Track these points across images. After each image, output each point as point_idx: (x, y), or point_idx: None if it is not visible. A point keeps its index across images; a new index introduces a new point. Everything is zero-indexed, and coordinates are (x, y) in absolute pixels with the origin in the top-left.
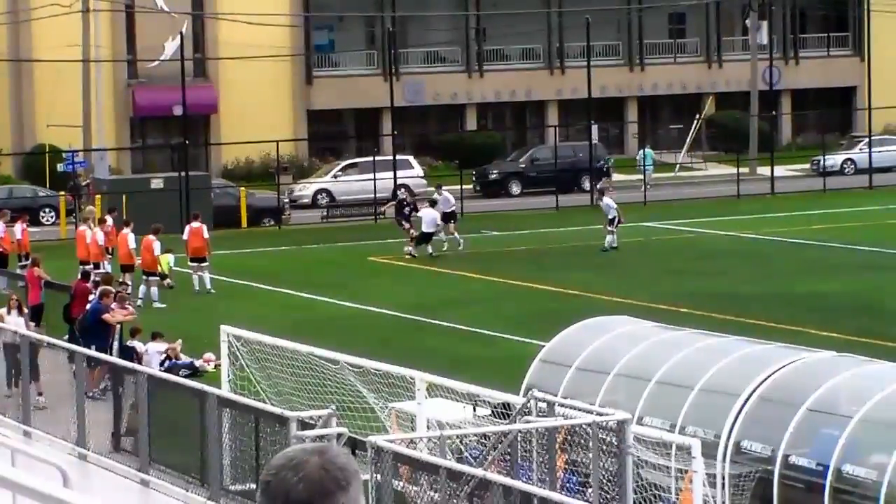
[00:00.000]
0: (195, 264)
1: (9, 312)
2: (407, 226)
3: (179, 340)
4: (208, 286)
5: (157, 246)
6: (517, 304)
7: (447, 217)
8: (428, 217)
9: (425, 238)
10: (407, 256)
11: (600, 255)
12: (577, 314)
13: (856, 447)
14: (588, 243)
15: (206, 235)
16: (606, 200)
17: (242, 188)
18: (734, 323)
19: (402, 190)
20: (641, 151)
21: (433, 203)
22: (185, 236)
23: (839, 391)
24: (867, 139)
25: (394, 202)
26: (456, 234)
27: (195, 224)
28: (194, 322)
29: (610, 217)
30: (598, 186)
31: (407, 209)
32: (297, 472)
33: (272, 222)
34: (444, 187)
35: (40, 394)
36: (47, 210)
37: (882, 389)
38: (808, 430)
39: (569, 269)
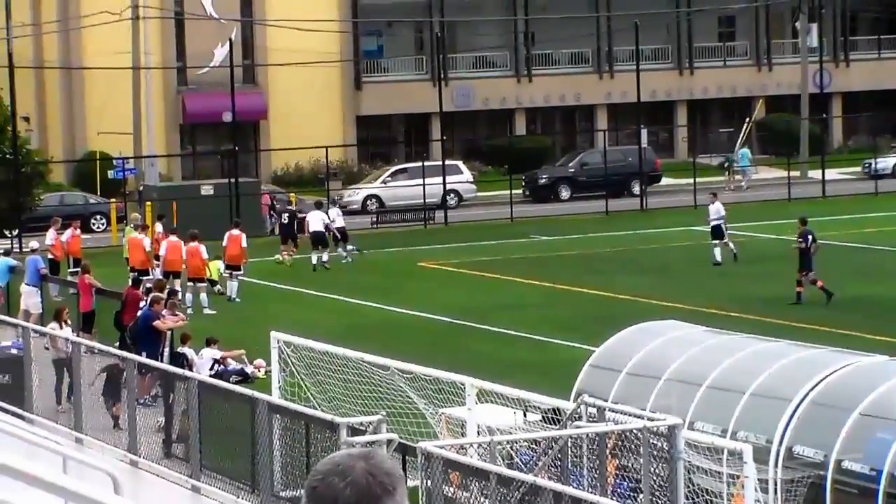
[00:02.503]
0: (229, 272)
1: (61, 326)
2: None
3: (242, 351)
4: (234, 294)
5: (203, 251)
6: (567, 309)
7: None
8: (315, 218)
9: (320, 239)
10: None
11: (652, 260)
12: (626, 319)
13: None
14: (637, 247)
15: (244, 244)
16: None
17: (293, 194)
18: (785, 327)
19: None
20: (739, 152)
21: (319, 205)
22: (224, 242)
23: (892, 395)
24: None
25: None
26: (341, 250)
27: (234, 231)
28: (245, 328)
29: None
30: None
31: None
32: (344, 478)
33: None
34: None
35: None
36: (98, 217)
37: None
38: (860, 434)
39: (618, 274)
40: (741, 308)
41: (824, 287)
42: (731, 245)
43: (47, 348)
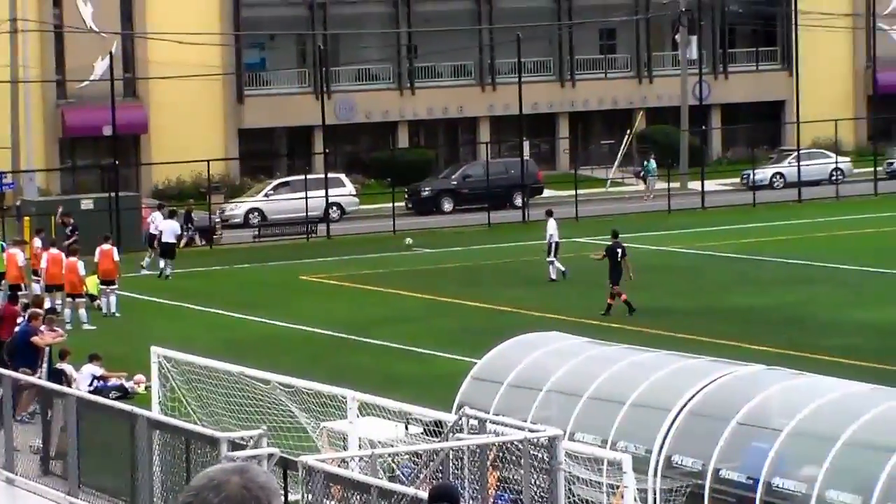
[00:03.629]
0: (104, 287)
1: None
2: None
3: (124, 374)
4: (113, 309)
5: (81, 266)
6: (449, 322)
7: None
8: (168, 228)
9: (169, 251)
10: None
11: (534, 272)
12: (508, 331)
13: (786, 460)
14: (519, 259)
15: (116, 258)
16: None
17: (174, 208)
18: (665, 337)
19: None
20: (645, 163)
21: (172, 214)
22: (95, 258)
23: (769, 405)
24: (796, 153)
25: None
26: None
27: (105, 246)
28: (124, 343)
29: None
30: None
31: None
32: (219, 493)
33: (203, 242)
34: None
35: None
36: None
37: (811, 402)
38: (738, 443)
39: (501, 286)
40: (622, 319)
41: (627, 301)
42: (559, 264)
43: None
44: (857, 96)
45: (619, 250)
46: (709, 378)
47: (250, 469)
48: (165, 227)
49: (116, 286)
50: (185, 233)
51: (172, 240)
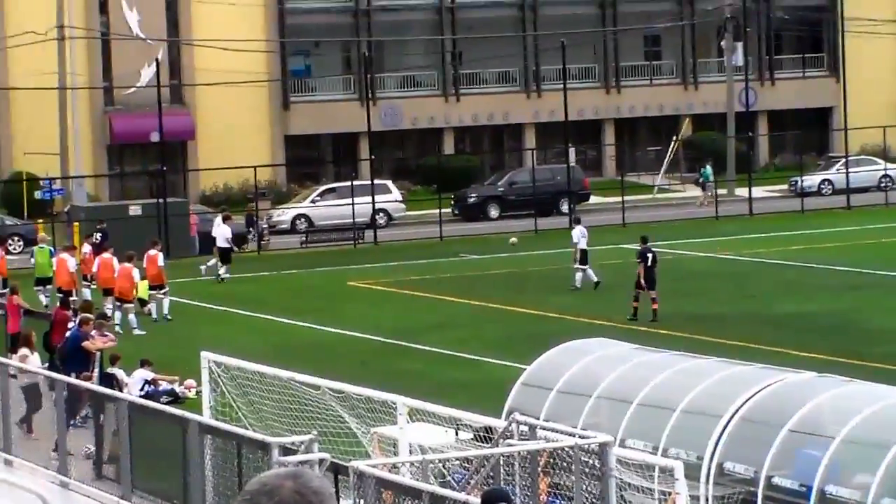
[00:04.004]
0: (152, 292)
1: (32, 352)
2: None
3: (176, 377)
4: (165, 311)
5: (136, 273)
6: (497, 328)
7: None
8: (221, 233)
9: (224, 255)
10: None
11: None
12: (557, 337)
13: (838, 467)
14: (566, 265)
15: (160, 263)
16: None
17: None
18: (714, 344)
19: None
20: (702, 169)
21: (226, 219)
22: (144, 264)
23: (821, 411)
24: (844, 160)
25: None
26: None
27: (152, 251)
28: (175, 348)
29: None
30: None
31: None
32: (272, 498)
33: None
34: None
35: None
36: (15, 238)
37: (863, 409)
38: (790, 450)
39: (547, 292)
40: (670, 326)
41: (652, 307)
42: (591, 273)
43: (14, 376)
44: None
45: (650, 255)
46: (760, 385)
47: (304, 474)
48: (219, 233)
49: (166, 289)
50: (248, 235)
51: (225, 244)
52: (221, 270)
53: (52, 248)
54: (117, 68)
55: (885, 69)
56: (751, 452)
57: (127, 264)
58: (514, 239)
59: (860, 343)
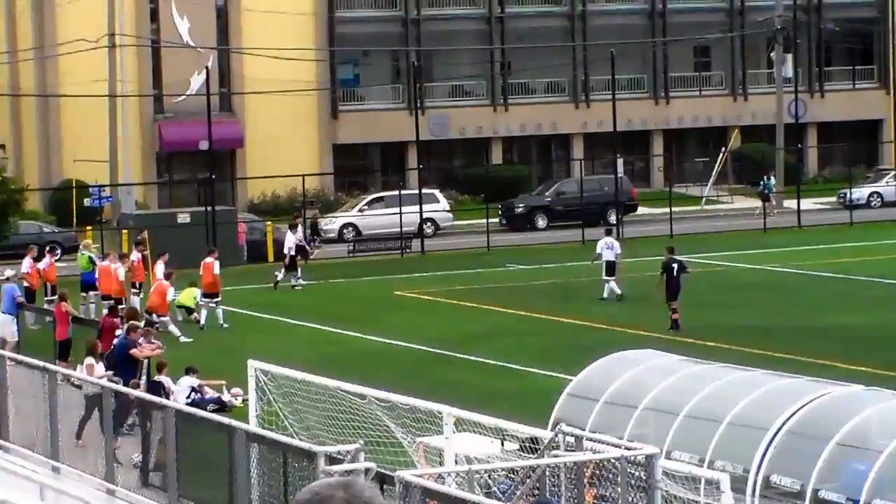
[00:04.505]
0: (206, 300)
1: (97, 361)
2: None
3: (223, 382)
4: (221, 321)
5: (216, 266)
6: (543, 338)
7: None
8: (287, 241)
9: (290, 263)
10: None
11: (629, 289)
12: (603, 348)
13: (886, 482)
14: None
15: (216, 271)
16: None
17: (269, 223)
18: (761, 356)
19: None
20: (765, 179)
21: (293, 227)
22: (200, 271)
23: (868, 425)
24: (894, 172)
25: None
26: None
27: (208, 259)
28: (221, 356)
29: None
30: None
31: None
32: None
33: (299, 256)
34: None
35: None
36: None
37: None
38: (837, 464)
39: (594, 303)
40: (718, 337)
41: (677, 319)
42: (614, 285)
43: (78, 385)
44: None
45: (675, 265)
46: (807, 397)
47: (355, 484)
48: (287, 241)
49: (219, 299)
50: (311, 244)
51: (291, 252)
52: (291, 280)
53: (92, 255)
54: (167, 76)
55: None
56: (797, 465)
57: (164, 282)
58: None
59: None
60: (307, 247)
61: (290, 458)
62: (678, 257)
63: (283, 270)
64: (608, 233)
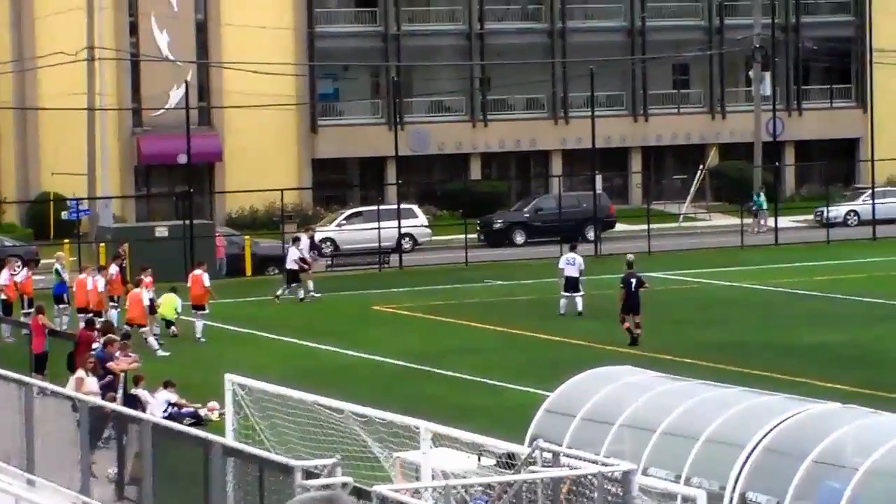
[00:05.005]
0: (195, 311)
1: (87, 374)
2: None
3: (199, 405)
4: (199, 335)
5: (206, 278)
6: (521, 354)
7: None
8: (288, 255)
9: (290, 276)
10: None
11: (606, 305)
12: (581, 364)
13: (861, 500)
14: (591, 293)
15: (206, 284)
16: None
17: (247, 237)
18: (738, 374)
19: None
20: (756, 197)
21: (295, 241)
22: (188, 283)
23: (844, 443)
24: (870, 191)
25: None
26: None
27: (196, 271)
28: (198, 370)
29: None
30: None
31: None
32: None
33: (276, 271)
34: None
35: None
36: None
37: (887, 441)
38: (813, 481)
39: (572, 319)
40: (695, 354)
41: (635, 333)
42: (579, 302)
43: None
44: None
45: (634, 280)
46: (784, 415)
47: (340, 499)
48: (289, 255)
49: (206, 311)
50: (311, 255)
51: (290, 265)
52: (299, 293)
53: (59, 268)
54: (146, 90)
55: None
56: (773, 483)
57: (136, 290)
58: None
59: (885, 374)
60: (308, 258)
61: (267, 473)
62: (637, 272)
63: (286, 285)
64: (572, 248)
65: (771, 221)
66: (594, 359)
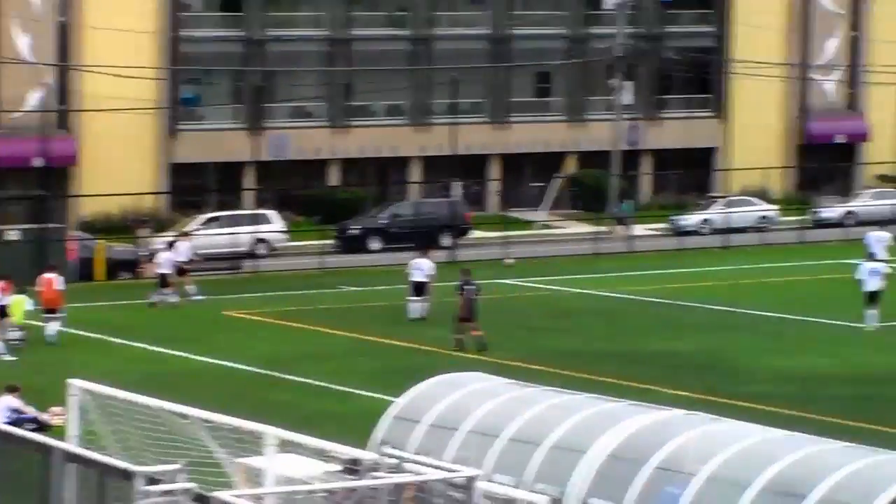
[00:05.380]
0: (47, 315)
1: None
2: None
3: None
4: (53, 337)
5: (57, 281)
6: (373, 360)
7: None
8: (165, 260)
9: (165, 282)
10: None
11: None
12: (431, 370)
13: None
14: (443, 299)
15: (59, 287)
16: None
17: (100, 241)
18: (587, 381)
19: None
20: (622, 203)
21: (171, 245)
22: (38, 287)
23: (686, 449)
24: (724, 199)
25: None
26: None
27: (48, 275)
28: (45, 375)
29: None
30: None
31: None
32: None
33: (129, 275)
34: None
35: None
36: None
37: (728, 448)
38: (654, 487)
39: (425, 326)
40: (545, 361)
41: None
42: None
43: None
44: (787, 145)
45: (471, 287)
46: (629, 422)
47: None
48: (161, 259)
49: (59, 315)
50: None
51: (162, 270)
52: (172, 297)
53: None
54: (4, 92)
55: (770, 111)
56: (615, 489)
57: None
58: (510, 260)
59: (730, 382)
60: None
61: (108, 479)
62: (472, 280)
63: (159, 289)
64: (423, 254)
65: (619, 229)
66: (444, 365)
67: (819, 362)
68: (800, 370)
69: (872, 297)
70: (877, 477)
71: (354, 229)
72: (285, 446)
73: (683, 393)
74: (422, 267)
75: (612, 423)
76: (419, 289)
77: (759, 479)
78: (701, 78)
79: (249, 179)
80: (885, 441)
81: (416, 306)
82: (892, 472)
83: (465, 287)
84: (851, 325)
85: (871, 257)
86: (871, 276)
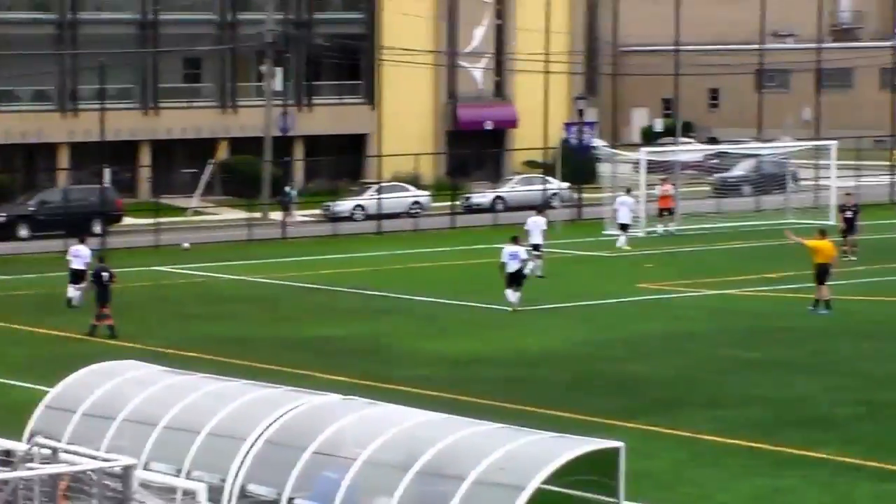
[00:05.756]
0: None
1: None
2: None
3: None
4: None
5: None
6: (22, 349)
7: None
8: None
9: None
10: None
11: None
12: (86, 359)
13: (358, 490)
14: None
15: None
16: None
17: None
18: (243, 367)
19: None
20: (286, 190)
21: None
22: None
23: (344, 434)
24: (377, 186)
25: None
26: None
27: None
28: None
29: None
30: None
31: None
32: None
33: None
34: None
35: None
36: None
37: (385, 432)
38: (312, 472)
39: (79, 314)
40: (201, 348)
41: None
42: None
43: None
44: (437, 131)
45: (106, 274)
46: (285, 407)
47: None
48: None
49: None
50: None
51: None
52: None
53: None
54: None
55: (420, 98)
56: (274, 475)
57: None
58: (186, 245)
59: (386, 366)
60: None
61: None
62: (107, 266)
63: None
64: (81, 241)
65: (273, 215)
66: (99, 354)
67: (472, 345)
68: (453, 353)
69: (512, 279)
70: (531, 456)
71: (1, 216)
72: None
73: (341, 378)
74: (80, 254)
75: (269, 410)
76: (77, 276)
77: (418, 463)
78: (351, 65)
79: None
80: (537, 421)
81: (76, 294)
82: (546, 452)
83: (102, 273)
84: (500, 308)
85: (522, 241)
86: (511, 259)
